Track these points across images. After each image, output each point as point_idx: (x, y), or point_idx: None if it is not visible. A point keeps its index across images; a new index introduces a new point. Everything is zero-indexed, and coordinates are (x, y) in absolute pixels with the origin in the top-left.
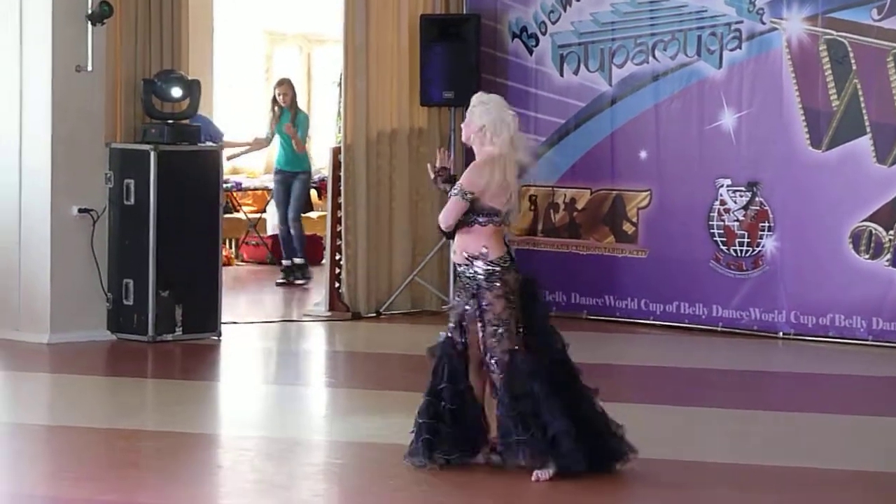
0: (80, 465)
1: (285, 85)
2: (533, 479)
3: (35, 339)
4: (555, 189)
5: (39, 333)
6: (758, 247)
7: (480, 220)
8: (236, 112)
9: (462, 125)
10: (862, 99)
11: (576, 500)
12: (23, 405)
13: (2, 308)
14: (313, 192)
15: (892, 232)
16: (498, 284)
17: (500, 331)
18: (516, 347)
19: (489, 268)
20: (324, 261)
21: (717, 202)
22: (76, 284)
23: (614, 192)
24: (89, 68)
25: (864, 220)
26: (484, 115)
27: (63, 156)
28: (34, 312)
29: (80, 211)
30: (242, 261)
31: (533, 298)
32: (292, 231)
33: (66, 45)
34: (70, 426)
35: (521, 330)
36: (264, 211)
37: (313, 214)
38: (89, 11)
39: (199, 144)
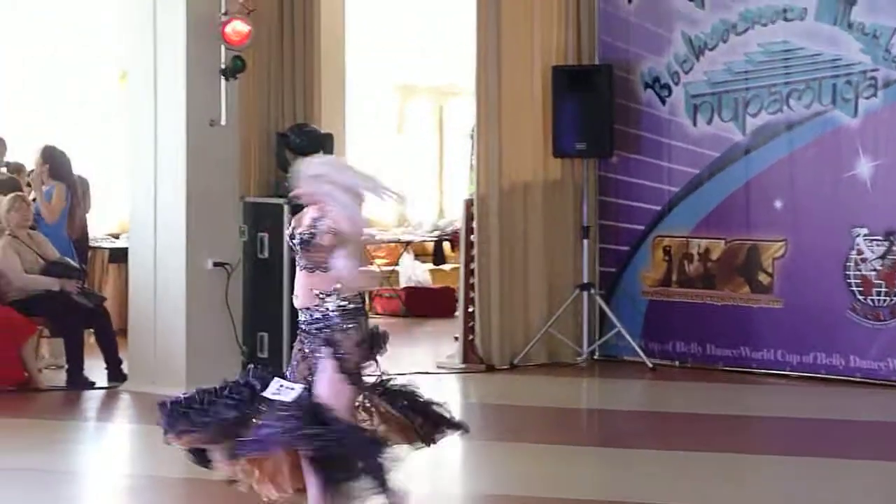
0: None
1: None
2: None
3: (171, 393)
4: (689, 240)
5: (175, 387)
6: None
7: None
8: (368, 166)
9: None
10: None
11: None
12: (159, 458)
13: (138, 361)
14: (446, 245)
15: None
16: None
17: None
18: None
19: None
20: (457, 313)
21: (854, 251)
22: (211, 337)
23: (749, 242)
24: (223, 122)
25: None
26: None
27: (197, 209)
28: (170, 366)
29: (214, 264)
30: (376, 313)
31: None
32: None
33: (200, 99)
34: (206, 479)
35: None
36: (397, 264)
37: (446, 267)
38: (223, 66)
39: None
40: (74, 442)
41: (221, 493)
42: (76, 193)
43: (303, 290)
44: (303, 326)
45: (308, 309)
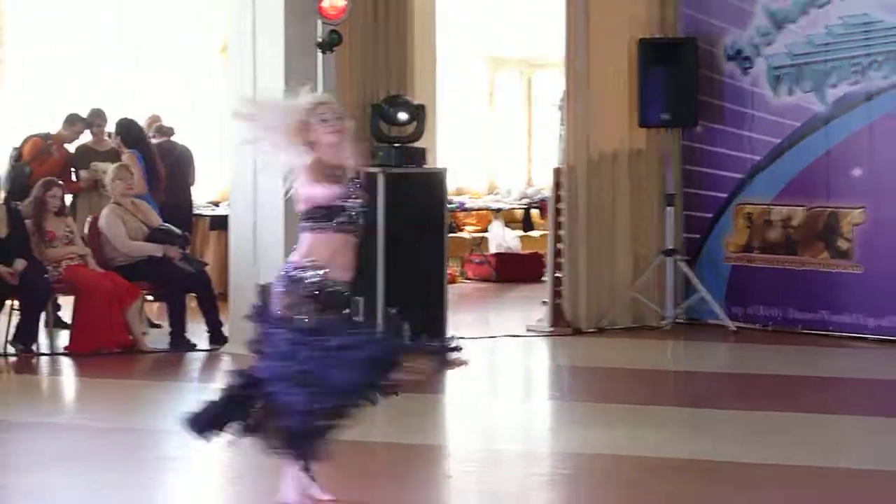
0: (321, 475)
1: None
2: None
3: None
4: (770, 207)
5: None
6: None
7: None
8: (458, 137)
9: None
10: None
11: None
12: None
13: (238, 325)
14: (534, 212)
15: None
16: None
17: None
18: None
19: None
20: (545, 278)
21: None
22: None
23: (829, 209)
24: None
25: None
26: None
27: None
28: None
29: None
30: (467, 278)
31: None
32: None
33: (298, 72)
34: None
35: None
36: (486, 230)
37: (535, 233)
38: (319, 40)
39: (424, 167)
40: (177, 402)
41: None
42: (153, 159)
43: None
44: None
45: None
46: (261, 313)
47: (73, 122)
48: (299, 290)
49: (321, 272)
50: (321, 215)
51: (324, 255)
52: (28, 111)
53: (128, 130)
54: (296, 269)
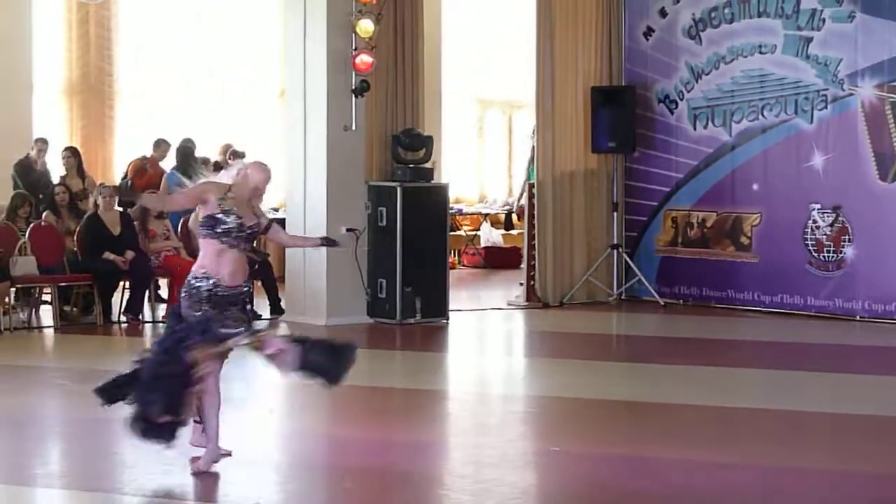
0: (350, 412)
1: None
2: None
3: (315, 322)
4: (690, 212)
5: (319, 317)
6: (840, 253)
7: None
8: (457, 159)
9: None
10: None
11: None
12: None
13: (292, 299)
14: (514, 216)
15: None
16: None
17: None
18: None
19: None
20: (522, 265)
21: (811, 221)
22: (345, 282)
23: (734, 214)
24: (353, 128)
25: None
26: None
27: (335, 190)
28: (315, 302)
29: (347, 230)
30: (463, 266)
31: None
32: None
33: (337, 111)
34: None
35: None
36: (478, 229)
37: (514, 232)
38: (353, 87)
39: (432, 182)
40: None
41: (350, 394)
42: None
43: (242, 269)
44: (231, 298)
45: (239, 285)
46: (174, 312)
47: (159, 145)
48: (195, 295)
49: (211, 281)
50: (208, 224)
51: (210, 265)
52: (136, 138)
53: (181, 151)
54: (193, 277)
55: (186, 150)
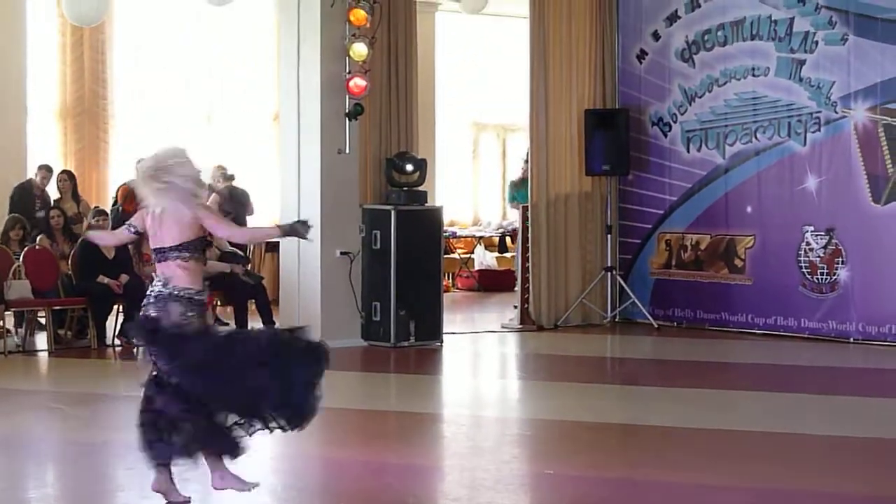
0: (346, 435)
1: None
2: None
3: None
4: (684, 234)
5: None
6: (834, 275)
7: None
8: (451, 183)
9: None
10: None
11: None
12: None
13: (287, 322)
14: (508, 239)
15: None
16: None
17: None
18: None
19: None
20: (516, 288)
21: (804, 243)
22: (339, 305)
23: (728, 236)
24: (347, 151)
25: None
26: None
27: (329, 213)
28: (309, 325)
29: (341, 253)
30: (457, 289)
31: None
32: None
33: (331, 134)
34: (336, 408)
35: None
36: (472, 252)
37: (508, 254)
38: (346, 110)
39: (426, 205)
40: None
41: (345, 418)
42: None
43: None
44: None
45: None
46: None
47: None
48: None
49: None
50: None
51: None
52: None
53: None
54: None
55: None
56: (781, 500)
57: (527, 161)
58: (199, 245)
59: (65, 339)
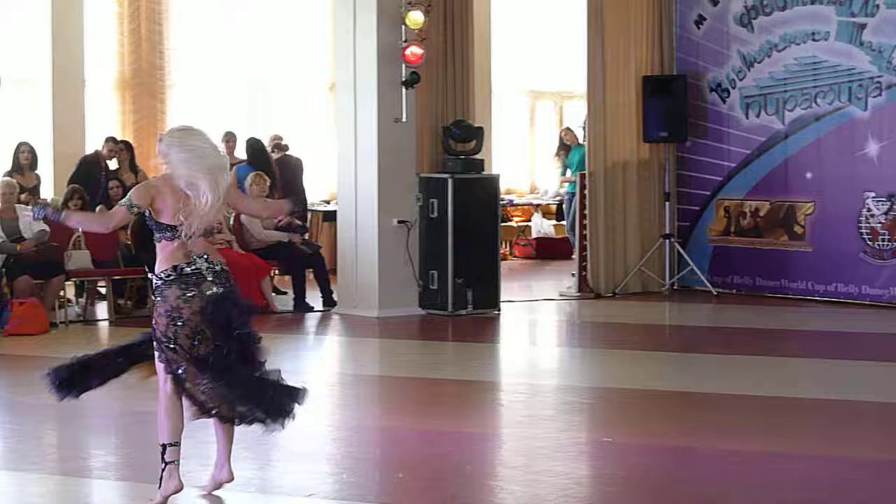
0: (403, 404)
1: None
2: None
3: (368, 314)
4: (743, 201)
5: (371, 310)
6: (895, 242)
7: (157, 235)
8: (508, 151)
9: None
10: None
11: None
12: (360, 361)
13: (344, 292)
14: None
15: None
16: (159, 299)
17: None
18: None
19: (155, 281)
20: (574, 255)
21: (865, 209)
22: (396, 274)
23: (787, 203)
24: (404, 119)
25: None
26: (162, 146)
27: (386, 182)
28: (367, 294)
29: (398, 222)
30: (514, 256)
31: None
32: None
33: (388, 103)
34: (394, 376)
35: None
36: (529, 220)
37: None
38: (403, 79)
39: (482, 173)
40: (301, 349)
41: (403, 386)
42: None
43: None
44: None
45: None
46: None
47: (228, 139)
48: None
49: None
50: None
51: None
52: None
53: (252, 147)
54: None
55: (257, 145)
56: (841, 467)
57: (584, 128)
58: (159, 227)
59: (125, 308)
